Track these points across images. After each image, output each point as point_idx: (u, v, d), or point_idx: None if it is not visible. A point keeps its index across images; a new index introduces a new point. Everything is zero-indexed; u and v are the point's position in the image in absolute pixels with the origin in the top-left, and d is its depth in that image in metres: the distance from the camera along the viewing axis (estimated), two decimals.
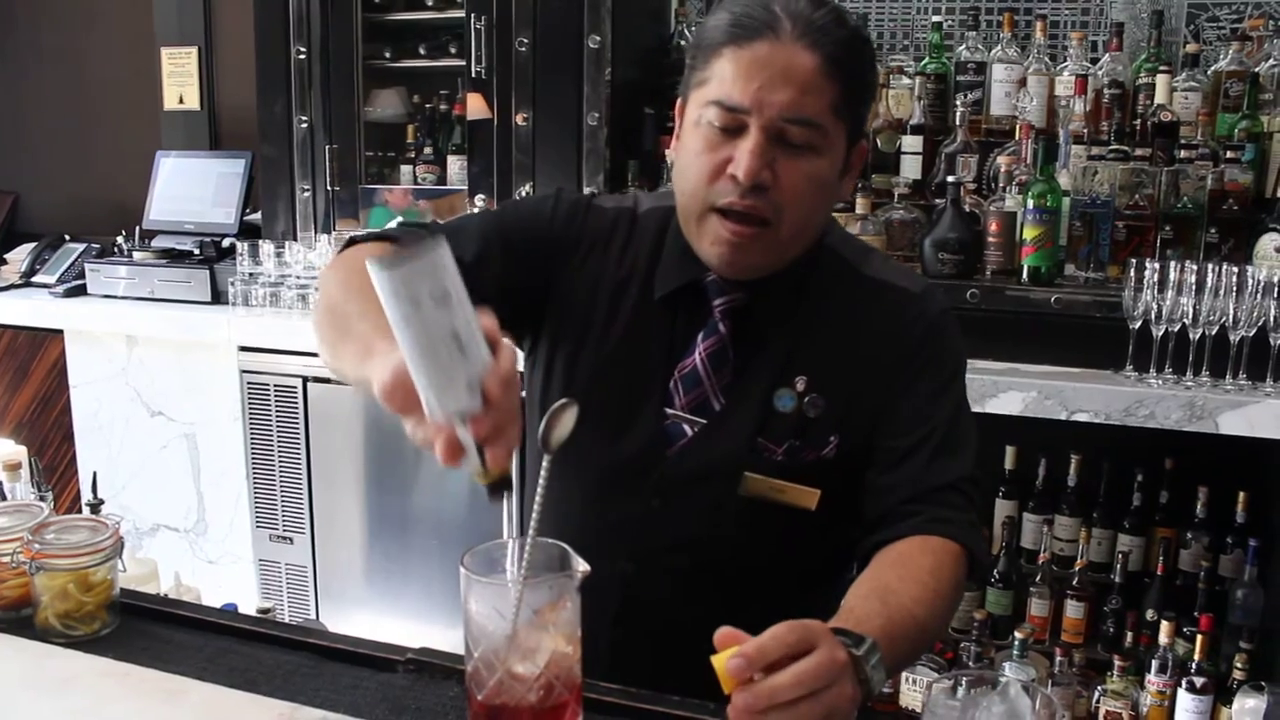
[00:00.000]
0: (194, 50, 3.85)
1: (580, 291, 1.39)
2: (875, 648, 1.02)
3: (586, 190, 2.91)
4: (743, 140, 1.21)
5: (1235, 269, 2.26)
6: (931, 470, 1.27)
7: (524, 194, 2.99)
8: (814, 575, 1.40)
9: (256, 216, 3.44)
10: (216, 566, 3.37)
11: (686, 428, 1.33)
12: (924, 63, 2.87)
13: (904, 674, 2.59)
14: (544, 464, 1.08)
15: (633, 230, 1.40)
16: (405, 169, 3.38)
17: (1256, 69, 2.60)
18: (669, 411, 1.33)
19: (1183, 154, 2.48)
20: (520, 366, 1.12)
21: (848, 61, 1.22)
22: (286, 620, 2.99)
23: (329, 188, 3.26)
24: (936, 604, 1.17)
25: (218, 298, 3.29)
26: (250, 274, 3.18)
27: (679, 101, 1.33)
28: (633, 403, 1.34)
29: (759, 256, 1.27)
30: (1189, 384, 2.31)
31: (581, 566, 1.03)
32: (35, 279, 3.68)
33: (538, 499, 1.07)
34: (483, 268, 1.30)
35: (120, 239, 3.56)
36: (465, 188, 3.17)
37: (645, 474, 1.34)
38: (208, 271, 3.31)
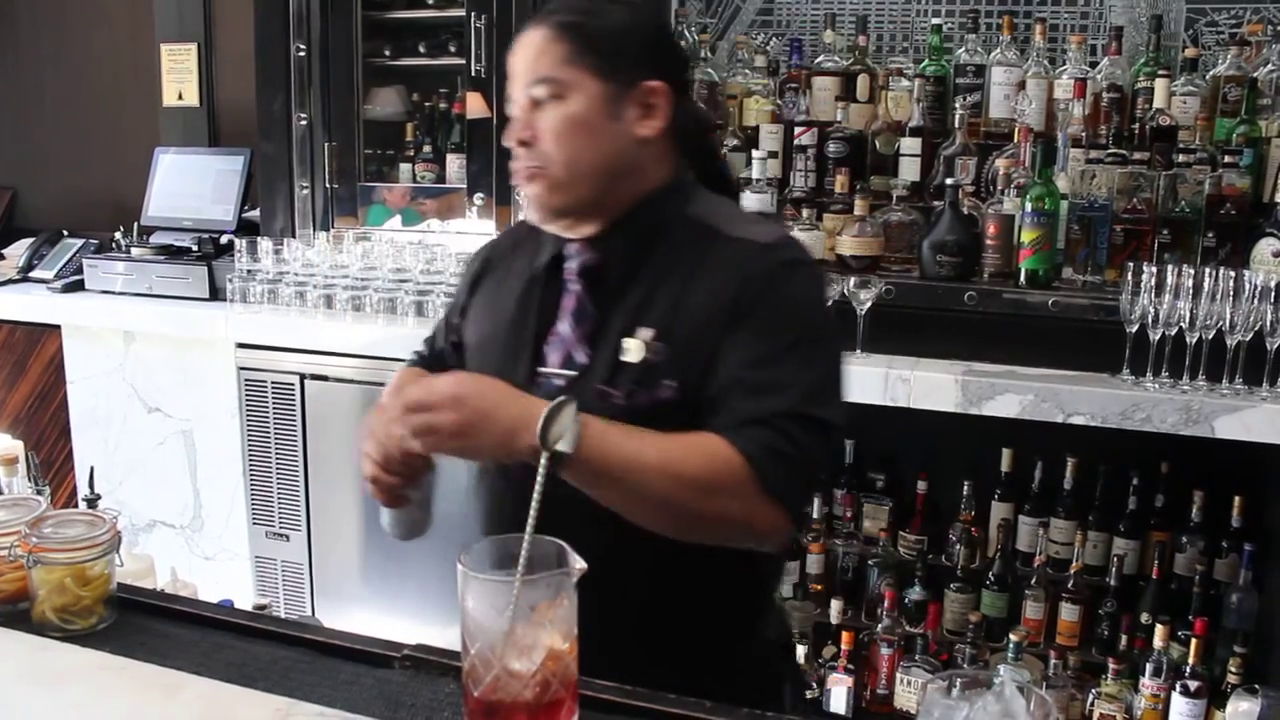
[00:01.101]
0: (193, 47, 3.84)
1: (485, 294, 1.58)
2: (568, 404, 1.19)
3: None
4: None
5: (1232, 273, 2.27)
6: (746, 405, 1.31)
7: (523, 198, 2.98)
8: None
9: (255, 213, 3.43)
10: (213, 563, 3.37)
11: (558, 382, 1.43)
12: (923, 65, 2.88)
13: (899, 675, 2.60)
14: (542, 461, 1.09)
15: (531, 231, 1.55)
16: (404, 167, 3.38)
17: (1255, 74, 2.61)
18: (542, 370, 1.45)
19: (1181, 158, 2.49)
20: None
21: (574, 22, 1.41)
22: (282, 617, 2.99)
23: (328, 185, 3.26)
24: (676, 454, 1.26)
25: (216, 294, 3.29)
26: (248, 271, 3.18)
27: None
28: (508, 369, 1.44)
29: (550, 194, 1.41)
30: (1185, 388, 2.32)
31: (578, 564, 1.03)
32: (33, 274, 3.68)
33: (535, 496, 1.07)
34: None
35: (119, 235, 3.56)
36: (464, 186, 3.17)
37: None
38: (206, 268, 3.31)
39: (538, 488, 1.08)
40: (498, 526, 1.38)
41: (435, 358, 1.65)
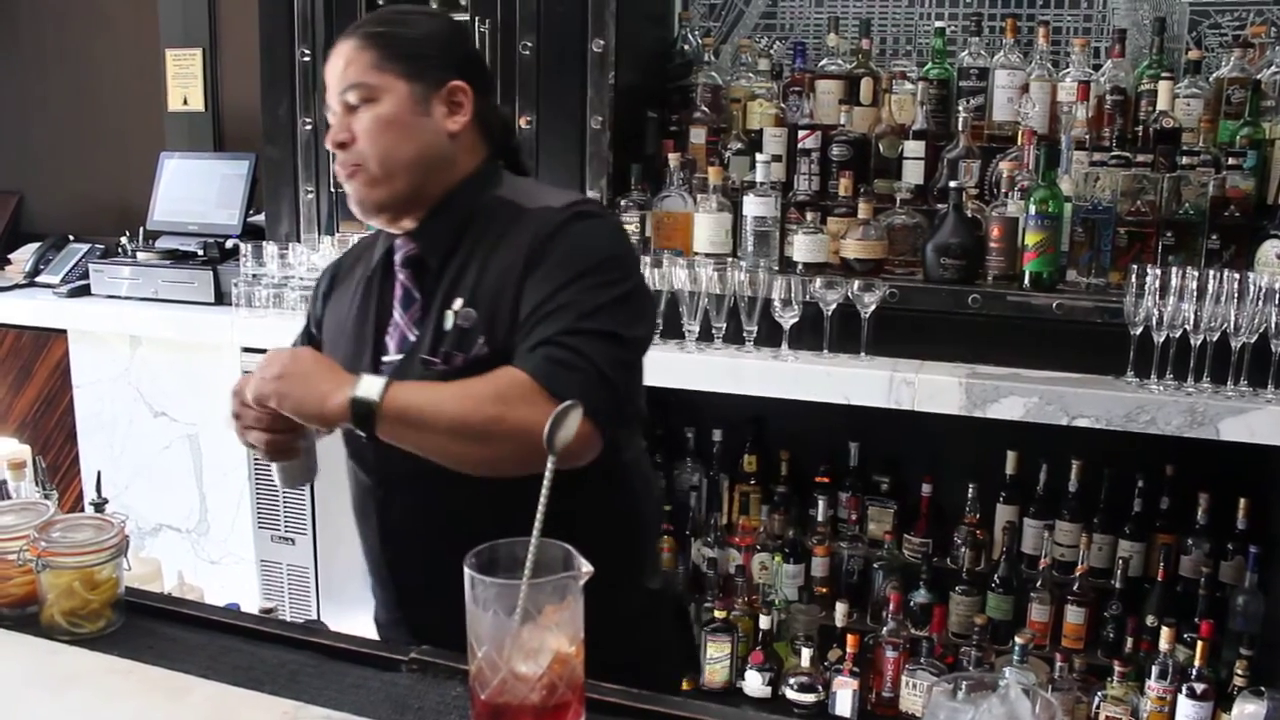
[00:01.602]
0: (198, 52, 3.85)
1: (340, 297, 1.69)
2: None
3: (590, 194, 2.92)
4: None
5: (1236, 275, 2.26)
6: (531, 333, 1.44)
7: None
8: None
9: (260, 218, 3.44)
10: (219, 567, 3.37)
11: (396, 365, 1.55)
12: (927, 68, 2.88)
13: (904, 678, 2.60)
14: (549, 464, 1.09)
15: (375, 242, 1.68)
16: None
17: (1258, 76, 2.61)
18: (384, 359, 1.57)
19: (1184, 160, 2.49)
20: None
21: (379, 33, 1.54)
22: (290, 621, 2.99)
23: (332, 189, 3.26)
24: (469, 388, 1.39)
25: (221, 299, 3.30)
26: (254, 275, 3.18)
27: None
28: (354, 361, 1.57)
29: (369, 189, 1.53)
30: (1190, 390, 2.32)
31: (585, 567, 1.04)
32: (39, 279, 3.69)
33: (542, 499, 1.08)
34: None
35: (124, 240, 3.57)
36: None
37: None
38: (211, 272, 3.32)
39: (544, 491, 1.08)
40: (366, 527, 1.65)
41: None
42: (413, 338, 1.55)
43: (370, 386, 1.36)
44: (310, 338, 1.77)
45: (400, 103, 1.52)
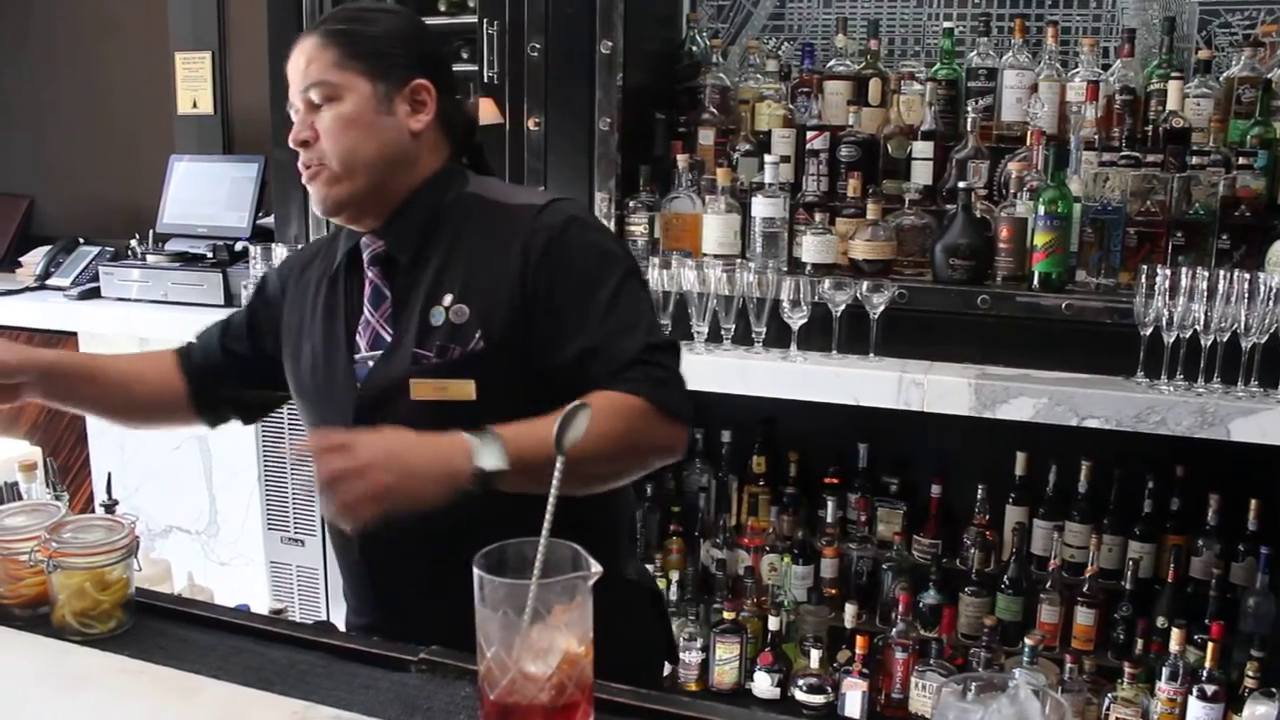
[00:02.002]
0: (208, 55, 3.87)
1: (293, 306, 1.68)
2: (492, 435, 1.29)
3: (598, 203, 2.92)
4: None
5: (1247, 275, 2.26)
6: (612, 357, 1.46)
7: None
8: None
9: (269, 220, 3.45)
10: (228, 568, 3.38)
11: (370, 363, 1.55)
12: (935, 69, 2.87)
13: (914, 679, 2.59)
14: (558, 465, 1.09)
15: (334, 241, 1.68)
16: None
17: (1269, 75, 2.60)
18: (356, 357, 1.56)
19: (1194, 160, 2.48)
20: None
21: (341, 31, 1.53)
22: (300, 621, 3.00)
23: None
24: (597, 425, 1.28)
25: (230, 301, 3.31)
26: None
27: None
28: (327, 361, 1.58)
29: (330, 187, 1.53)
30: (1200, 390, 2.31)
31: (595, 567, 1.04)
32: (50, 282, 3.70)
33: (551, 499, 1.08)
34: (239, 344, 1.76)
35: (134, 242, 3.58)
36: None
37: (345, 410, 1.54)
38: (221, 275, 3.33)
39: (553, 491, 1.08)
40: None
41: (206, 357, 1.77)
42: (387, 335, 1.54)
43: (490, 454, 1.29)
44: (248, 335, 1.76)
45: (362, 101, 1.52)
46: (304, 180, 1.56)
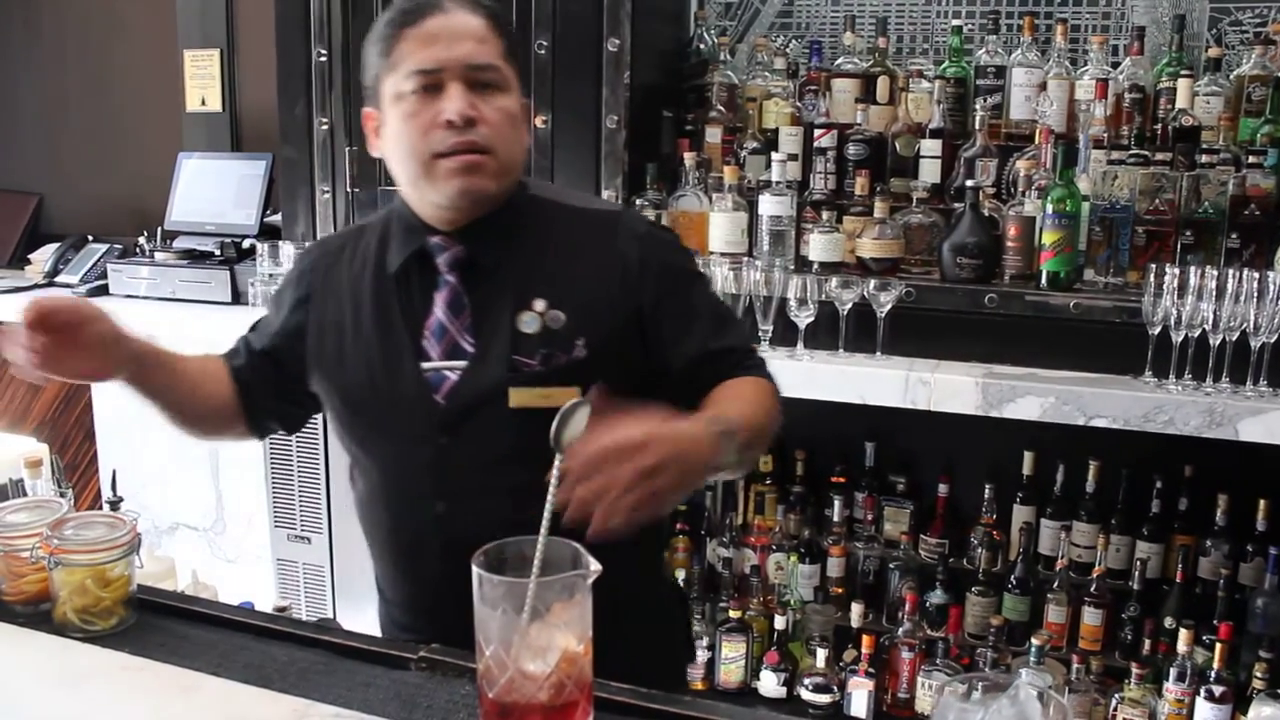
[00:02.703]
0: (216, 52, 3.87)
1: (328, 307, 1.59)
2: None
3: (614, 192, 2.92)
4: (444, 94, 1.41)
5: (1256, 275, 2.24)
6: (720, 350, 1.51)
7: None
8: None
9: (277, 218, 3.45)
10: (235, 565, 3.39)
11: (448, 373, 1.48)
12: (943, 66, 2.86)
13: (920, 679, 2.59)
14: (555, 464, 1.09)
15: (360, 239, 1.61)
16: None
17: (1279, 73, 2.58)
18: (425, 365, 1.49)
19: (1204, 159, 2.46)
20: None
21: (502, 24, 1.48)
22: (304, 619, 3.00)
23: (349, 190, 3.27)
24: (761, 404, 1.43)
25: (238, 298, 3.31)
26: (270, 275, 3.20)
27: (368, 111, 1.53)
28: (390, 369, 1.50)
29: (488, 180, 1.44)
30: (1209, 390, 2.30)
31: (594, 565, 1.03)
32: (58, 279, 3.71)
33: (549, 499, 1.07)
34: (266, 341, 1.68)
35: (142, 240, 3.59)
36: None
37: (424, 422, 1.48)
38: (228, 272, 3.33)
39: (550, 491, 1.08)
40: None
41: (251, 363, 1.69)
42: (468, 345, 1.47)
43: (729, 447, 1.29)
44: (272, 348, 1.67)
45: (517, 102, 1.48)
46: (454, 163, 1.42)
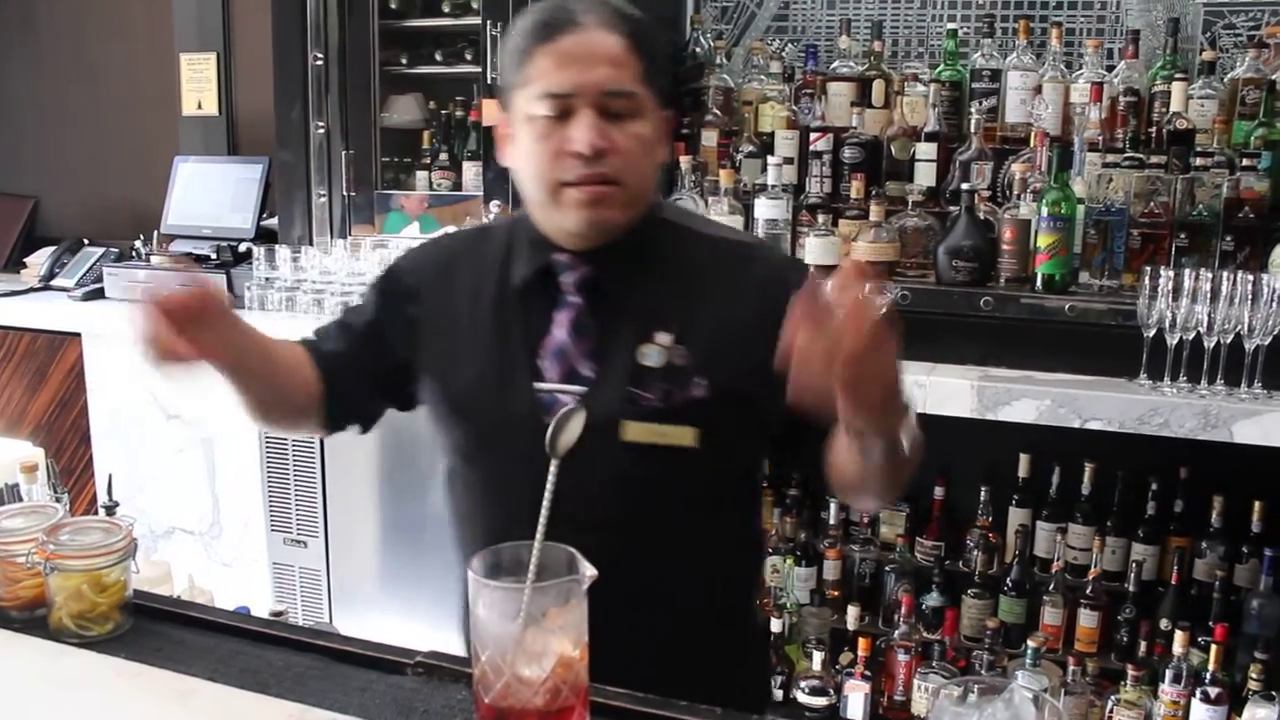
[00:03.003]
0: (212, 56, 3.87)
1: (442, 310, 1.51)
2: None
3: None
4: (575, 121, 1.34)
5: (1250, 277, 2.25)
6: None
7: None
8: (702, 514, 1.45)
9: (273, 221, 3.46)
10: (231, 570, 3.38)
11: (562, 397, 1.42)
12: (939, 70, 2.87)
13: (916, 682, 2.59)
14: (551, 469, 1.09)
15: (483, 242, 1.54)
16: (421, 175, 3.40)
17: (1273, 76, 2.59)
18: (540, 386, 1.43)
19: (1198, 162, 2.47)
20: None
21: (644, 40, 1.39)
22: (300, 623, 3.00)
23: (345, 193, 3.28)
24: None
25: (234, 302, 3.31)
26: (266, 279, 3.20)
27: (501, 118, 1.47)
28: (504, 388, 1.44)
29: (615, 211, 1.38)
30: (1204, 392, 2.30)
31: (589, 571, 1.03)
32: (54, 282, 3.72)
33: (545, 503, 1.08)
34: (349, 342, 1.58)
35: (139, 243, 3.59)
36: (480, 194, 3.18)
37: (531, 443, 1.37)
38: (224, 276, 3.33)
39: (547, 495, 1.08)
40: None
41: (342, 355, 1.58)
42: (587, 370, 1.42)
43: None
44: (372, 338, 1.56)
45: (653, 126, 1.40)
46: (580, 194, 1.36)
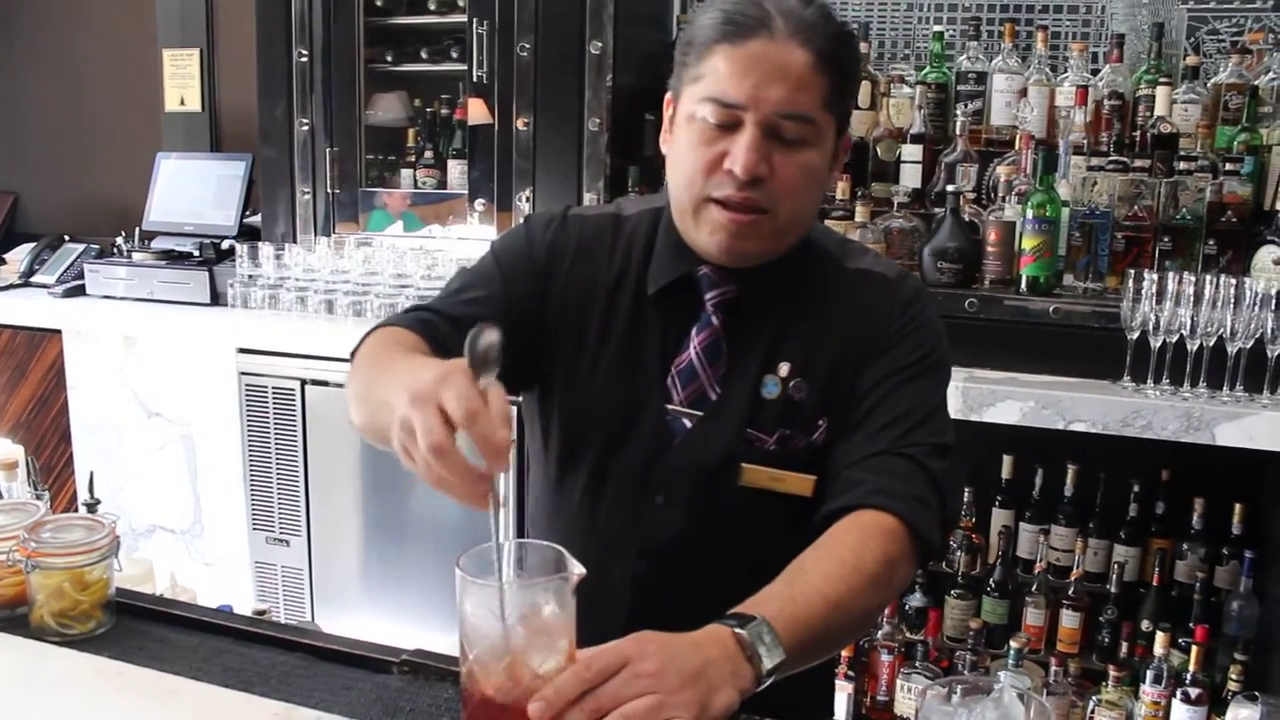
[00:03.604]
0: (195, 52, 3.85)
1: (573, 298, 1.40)
2: (763, 625, 1.06)
3: (592, 199, 2.92)
4: (739, 135, 1.23)
5: (1233, 281, 2.27)
6: (881, 436, 1.28)
7: (522, 202, 3.00)
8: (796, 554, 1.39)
9: (256, 219, 3.44)
10: (213, 568, 3.37)
11: (686, 421, 1.35)
12: (925, 72, 2.88)
13: (900, 682, 2.59)
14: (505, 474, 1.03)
15: (618, 233, 1.42)
16: (405, 173, 3.38)
17: (1256, 82, 2.61)
18: (669, 408, 1.35)
19: (1182, 166, 2.49)
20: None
21: (836, 58, 1.25)
22: (282, 622, 2.98)
23: (329, 190, 3.27)
24: (854, 580, 1.16)
25: (217, 299, 3.30)
26: (249, 276, 3.19)
27: (668, 96, 1.36)
28: (635, 403, 1.36)
29: (757, 243, 1.29)
30: (1186, 395, 2.31)
31: (577, 569, 1.03)
32: (34, 279, 3.69)
33: (499, 497, 1.02)
34: (483, 313, 1.31)
35: (120, 240, 3.56)
36: (465, 192, 3.17)
37: (649, 472, 1.36)
38: (207, 273, 3.31)
39: (495, 490, 1.02)
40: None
41: (453, 333, 1.34)
42: (714, 397, 1.33)
43: (769, 651, 1.06)
44: (505, 312, 1.34)
45: (825, 154, 1.28)
46: (723, 217, 1.26)
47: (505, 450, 0.96)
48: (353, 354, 1.38)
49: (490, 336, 1.00)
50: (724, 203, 1.26)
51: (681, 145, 1.29)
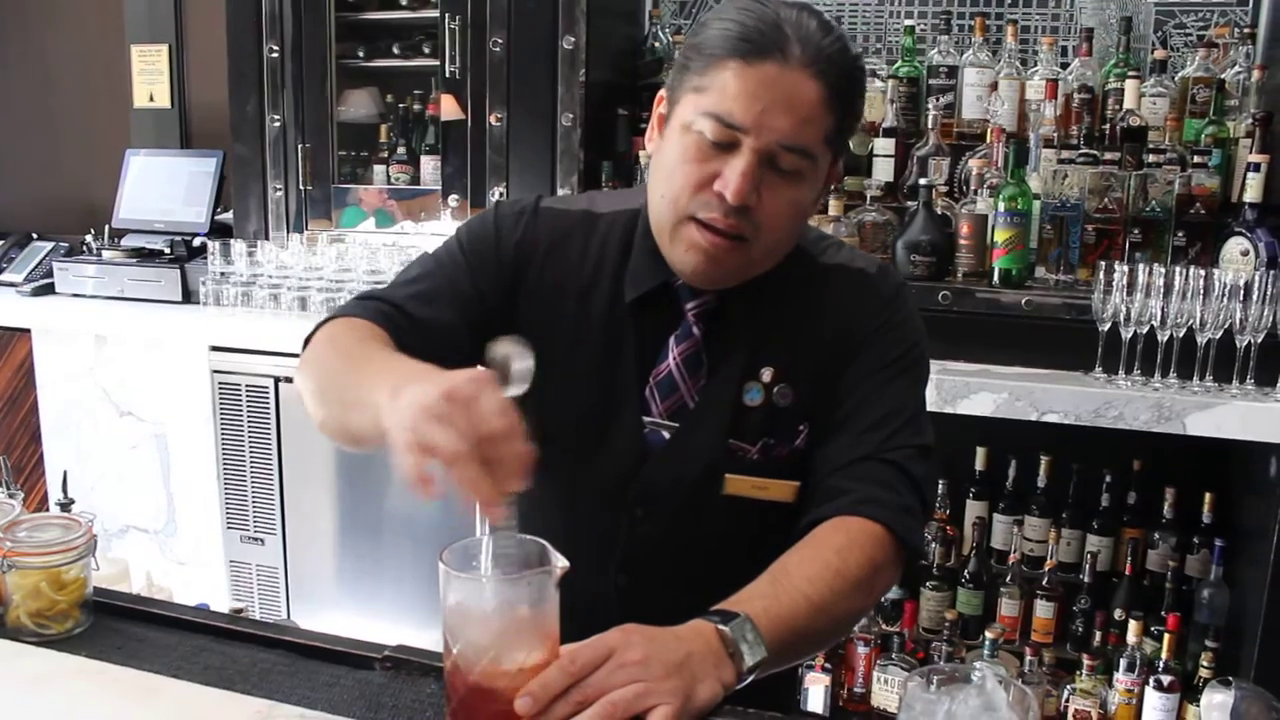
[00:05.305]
0: (164, 47, 3.82)
1: (542, 299, 1.35)
2: (746, 622, 1.07)
3: (557, 193, 2.91)
4: (734, 158, 1.19)
5: (1202, 272, 2.29)
6: (865, 440, 1.27)
7: (495, 197, 3.00)
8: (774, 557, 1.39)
9: (228, 216, 3.41)
10: (187, 568, 3.34)
11: (665, 433, 1.33)
12: (896, 66, 2.89)
13: (876, 674, 2.61)
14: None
15: (592, 232, 1.37)
16: (378, 169, 3.37)
17: (1222, 75, 2.64)
18: (646, 420, 1.33)
19: (1151, 158, 2.51)
20: None
21: (847, 93, 1.22)
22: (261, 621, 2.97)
23: (301, 187, 3.25)
24: (837, 584, 1.16)
25: (188, 297, 3.27)
26: (222, 273, 3.16)
27: (661, 94, 1.32)
28: (610, 415, 1.33)
29: (730, 269, 1.26)
30: (1157, 385, 2.34)
31: (560, 563, 1.03)
32: (2, 277, 3.65)
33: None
34: (443, 311, 1.32)
35: (89, 238, 3.53)
36: (439, 188, 3.16)
37: (627, 485, 1.34)
38: (178, 271, 3.29)
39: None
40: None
41: (413, 330, 1.31)
42: (692, 406, 1.31)
43: (751, 649, 1.07)
44: (463, 308, 1.33)
45: (816, 188, 1.25)
46: (700, 238, 1.22)
47: (529, 469, 0.98)
48: (305, 344, 1.34)
49: (527, 361, 1.02)
50: (706, 224, 1.22)
51: (672, 155, 1.24)
